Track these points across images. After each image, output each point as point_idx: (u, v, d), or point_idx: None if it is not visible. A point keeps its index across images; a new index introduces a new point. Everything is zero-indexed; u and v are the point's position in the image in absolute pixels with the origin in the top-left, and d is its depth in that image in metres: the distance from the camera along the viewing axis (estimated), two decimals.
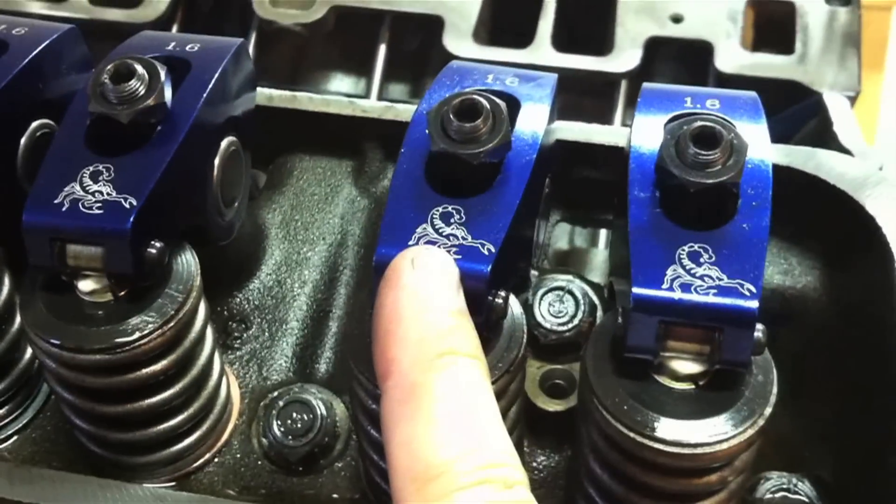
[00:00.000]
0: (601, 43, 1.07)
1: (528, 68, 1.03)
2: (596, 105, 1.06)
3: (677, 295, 0.50)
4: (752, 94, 0.60)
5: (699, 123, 0.53)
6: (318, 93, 1.15)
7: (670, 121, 0.56)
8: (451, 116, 0.54)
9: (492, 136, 0.54)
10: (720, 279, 0.50)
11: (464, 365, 0.45)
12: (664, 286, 0.50)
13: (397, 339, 0.46)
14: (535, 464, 0.64)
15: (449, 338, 0.46)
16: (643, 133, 0.57)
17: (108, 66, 0.55)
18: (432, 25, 1.06)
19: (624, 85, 1.05)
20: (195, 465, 0.62)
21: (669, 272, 0.51)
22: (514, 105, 0.58)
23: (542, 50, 1.05)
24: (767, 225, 0.52)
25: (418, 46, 1.15)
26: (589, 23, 1.10)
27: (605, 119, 1.03)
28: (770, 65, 1.03)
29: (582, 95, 1.11)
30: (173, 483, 0.61)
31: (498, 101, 0.54)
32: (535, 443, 0.64)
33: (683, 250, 0.52)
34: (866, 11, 2.63)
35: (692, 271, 0.51)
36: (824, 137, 0.94)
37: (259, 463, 0.63)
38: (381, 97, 1.09)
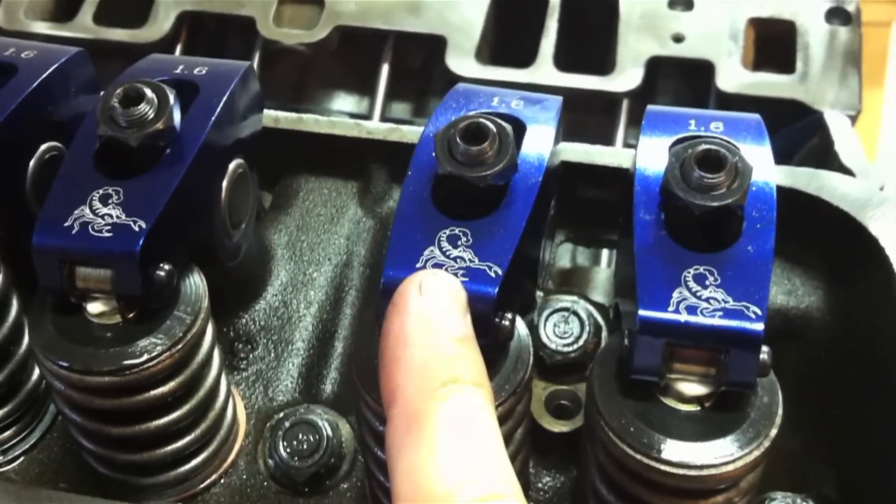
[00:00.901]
0: (603, 62, 1.08)
1: (529, 87, 1.04)
2: (598, 123, 1.07)
3: (683, 317, 0.50)
4: (756, 116, 0.60)
5: (704, 147, 0.53)
6: (321, 111, 1.16)
7: (675, 143, 0.57)
8: (458, 139, 0.54)
9: (498, 159, 0.54)
10: (726, 301, 0.51)
11: (467, 393, 0.45)
12: (670, 308, 0.51)
13: (402, 365, 0.46)
14: (540, 485, 0.64)
15: (453, 365, 0.46)
16: (648, 155, 0.57)
17: (118, 90, 0.56)
18: (435, 45, 1.06)
19: (626, 104, 1.05)
20: (202, 486, 0.62)
21: (675, 294, 0.51)
22: (519, 128, 0.59)
23: (544, 69, 1.06)
24: (772, 247, 0.53)
25: (421, 65, 1.15)
26: (591, 42, 1.10)
27: (608, 137, 1.04)
28: (771, 84, 1.03)
29: (585, 114, 1.12)
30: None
31: (504, 124, 0.55)
32: (541, 463, 0.64)
33: (689, 272, 0.52)
34: (865, 27, 2.64)
35: (698, 293, 0.51)
36: (825, 156, 0.95)
37: (265, 484, 0.63)
38: (384, 116, 1.10)
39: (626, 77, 1.04)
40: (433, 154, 0.55)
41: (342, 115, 1.16)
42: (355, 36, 1.09)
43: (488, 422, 0.45)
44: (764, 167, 0.55)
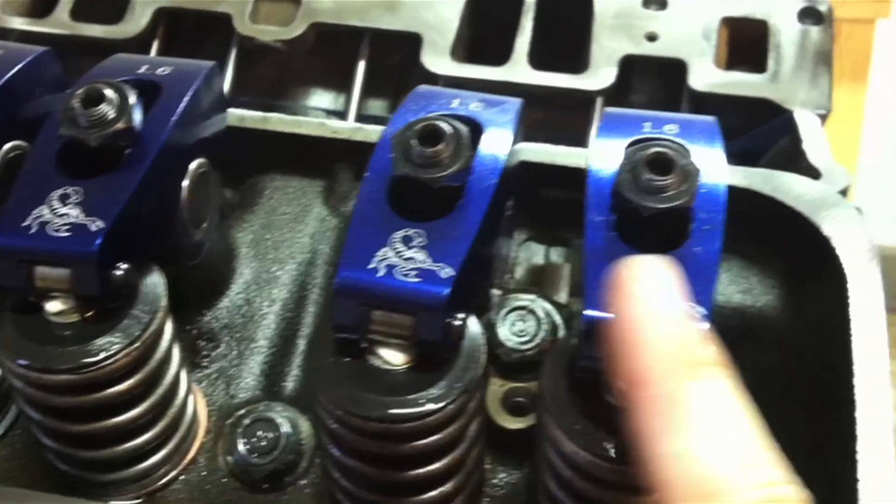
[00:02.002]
0: (578, 61, 1.08)
1: (504, 85, 1.05)
2: (573, 122, 1.07)
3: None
4: (711, 118, 0.61)
5: (654, 150, 0.54)
6: (299, 108, 1.17)
7: (629, 145, 0.58)
8: (414, 141, 0.55)
9: (453, 161, 0.55)
10: None
11: (720, 373, 0.44)
12: None
13: (643, 349, 0.44)
14: (496, 480, 0.65)
15: (698, 346, 0.45)
16: (601, 157, 0.58)
17: (79, 91, 0.57)
18: (411, 43, 1.07)
19: (599, 102, 1.06)
20: (162, 482, 0.63)
21: None
22: (477, 130, 0.59)
23: (519, 67, 1.06)
24: (719, 248, 0.54)
25: (398, 63, 1.16)
26: (566, 41, 1.11)
27: (582, 135, 1.05)
28: (742, 83, 1.04)
29: (560, 112, 1.13)
30: (140, 500, 0.62)
31: (460, 125, 0.56)
32: (497, 460, 0.65)
33: None
34: (850, 25, 2.65)
35: None
36: (794, 155, 0.96)
37: (224, 480, 0.64)
38: (360, 113, 1.10)
39: (599, 75, 1.05)
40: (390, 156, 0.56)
41: (319, 111, 1.17)
42: (332, 33, 1.10)
43: (747, 403, 0.44)
44: (714, 169, 0.56)
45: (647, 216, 0.53)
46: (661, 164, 0.53)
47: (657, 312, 0.46)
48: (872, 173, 2.78)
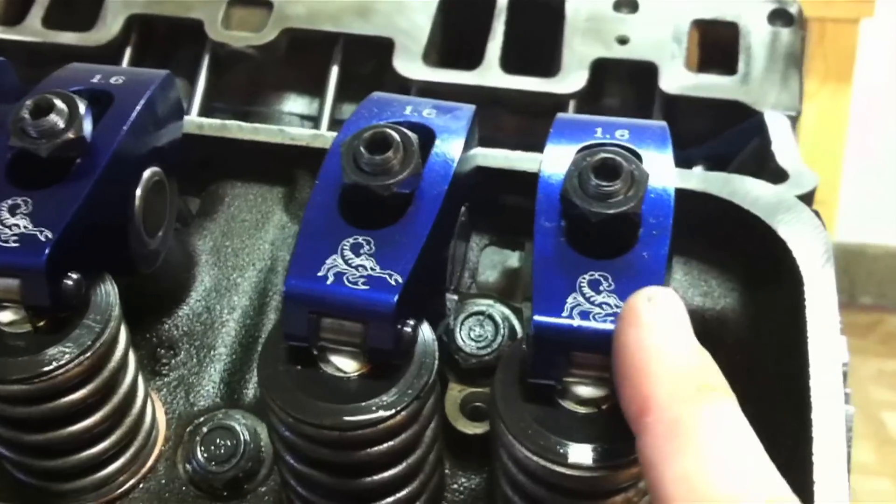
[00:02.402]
0: (550, 65, 1.09)
1: (476, 90, 1.06)
2: (546, 126, 1.07)
3: (576, 322, 0.52)
4: (662, 123, 0.61)
5: (601, 156, 0.54)
6: (272, 114, 1.17)
7: (580, 151, 0.58)
8: (363, 149, 0.55)
9: (402, 168, 0.55)
10: (618, 306, 0.52)
11: (724, 399, 0.46)
12: (564, 314, 0.52)
13: (650, 375, 0.46)
14: (455, 486, 0.65)
15: (703, 372, 0.47)
16: (552, 163, 0.58)
17: (28, 102, 0.57)
18: (384, 48, 1.07)
19: (572, 105, 1.06)
20: (121, 490, 0.63)
21: (570, 300, 0.52)
22: (429, 136, 0.60)
23: (491, 72, 1.07)
24: (667, 253, 0.54)
25: (372, 69, 1.16)
26: (538, 45, 1.11)
27: None
28: (713, 85, 1.04)
29: (533, 117, 1.13)
30: None
31: (409, 133, 0.56)
32: (456, 465, 0.65)
33: (584, 279, 0.53)
34: (835, 24, 2.66)
35: (591, 299, 0.52)
36: (764, 157, 0.96)
37: (184, 489, 0.64)
38: (333, 118, 1.10)
39: (571, 79, 1.06)
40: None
41: (293, 117, 1.17)
42: (305, 39, 1.10)
43: (748, 426, 0.46)
44: (663, 174, 0.57)
45: (596, 222, 0.53)
46: (609, 169, 0.54)
47: (664, 340, 0.47)
48: (857, 171, 2.78)
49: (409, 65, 1.06)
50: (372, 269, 0.53)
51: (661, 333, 0.47)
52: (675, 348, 0.47)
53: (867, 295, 3.09)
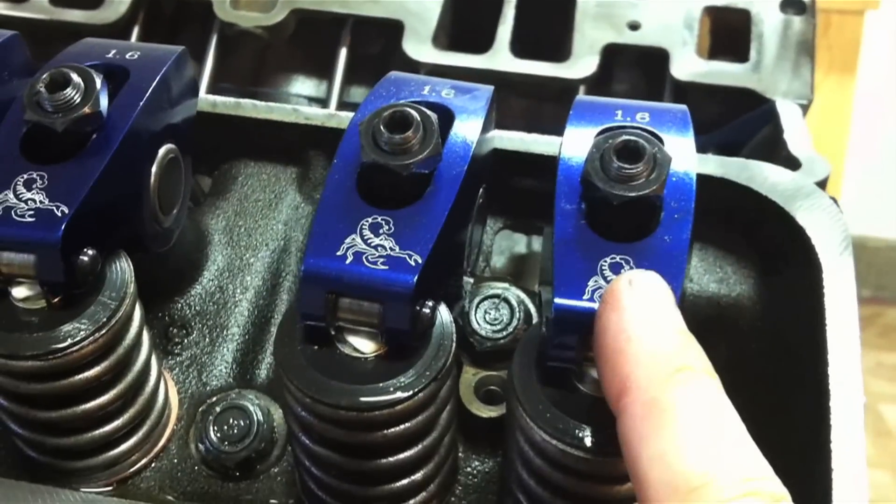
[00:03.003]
0: (560, 49, 1.08)
1: (486, 73, 1.05)
2: (556, 111, 1.07)
3: (597, 305, 0.51)
4: (682, 107, 0.61)
5: (623, 138, 0.54)
6: (280, 95, 1.16)
7: (600, 133, 0.58)
8: (382, 128, 0.54)
9: (422, 148, 0.54)
10: None
11: (702, 379, 0.46)
12: (585, 297, 0.51)
13: (629, 357, 0.46)
14: (469, 468, 0.65)
15: (682, 354, 0.47)
16: (572, 145, 0.58)
17: (44, 75, 0.56)
18: (393, 30, 1.06)
19: (582, 90, 1.06)
20: (132, 469, 0.62)
21: (591, 283, 0.52)
22: (448, 117, 0.59)
23: (501, 56, 1.06)
24: (688, 237, 0.53)
25: (380, 51, 1.15)
26: (548, 29, 1.11)
27: (564, 124, 1.04)
28: (724, 73, 1.04)
29: (542, 101, 1.13)
30: (111, 487, 0.62)
31: (429, 112, 0.55)
32: (470, 448, 0.65)
33: (605, 262, 0.53)
34: (839, 16, 2.65)
35: None
36: (775, 145, 0.96)
37: (196, 468, 0.63)
38: (341, 100, 1.10)
39: (581, 64, 1.05)
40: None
41: (301, 99, 1.16)
42: (313, 20, 1.09)
43: (730, 407, 0.45)
44: (685, 158, 0.56)
45: (617, 204, 0.53)
46: (631, 152, 0.53)
47: (643, 322, 0.47)
48: (861, 164, 2.78)
49: (419, 47, 1.05)
50: (391, 249, 0.53)
51: (640, 316, 0.47)
52: (654, 330, 0.47)
53: (866, 287, 3.09)
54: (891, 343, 2.94)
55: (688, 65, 1.04)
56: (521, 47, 1.06)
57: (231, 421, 0.63)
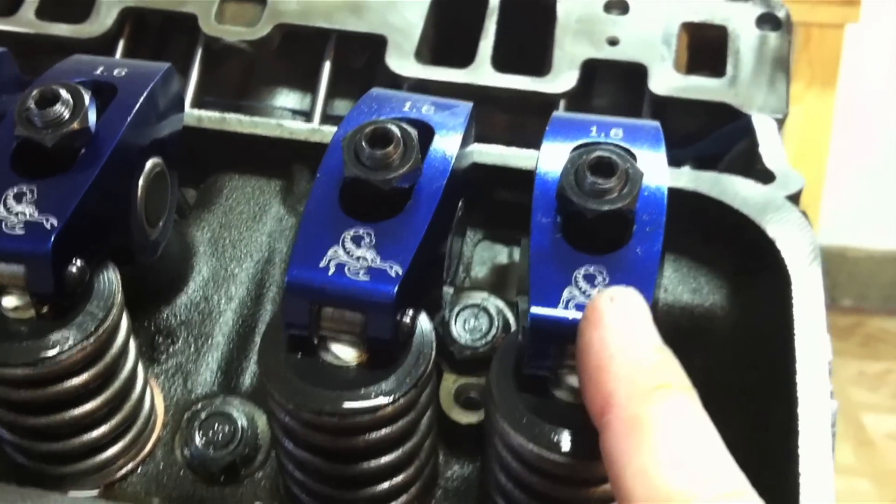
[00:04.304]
0: (541, 64, 1.10)
1: (467, 87, 1.07)
2: (537, 125, 1.09)
3: (571, 314, 0.53)
4: (655, 123, 0.63)
5: (597, 154, 0.56)
6: (265, 109, 1.18)
7: (575, 149, 0.59)
8: (364, 144, 0.56)
9: (403, 163, 0.56)
10: None
11: (681, 395, 0.47)
12: (560, 306, 0.53)
13: (610, 374, 0.48)
14: (449, 473, 0.66)
15: (661, 371, 0.48)
16: (548, 161, 0.59)
17: (34, 91, 0.57)
18: (376, 45, 1.08)
19: (562, 105, 1.07)
20: (119, 474, 0.64)
21: (566, 293, 0.54)
22: (428, 132, 0.61)
23: (482, 70, 1.08)
24: (660, 249, 0.55)
25: (364, 65, 1.17)
26: (529, 45, 1.13)
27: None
28: (702, 87, 1.06)
29: (523, 115, 1.14)
30: (98, 492, 0.63)
31: (409, 129, 0.57)
32: (450, 454, 0.67)
33: (580, 272, 0.54)
34: (820, 29, 2.68)
35: (587, 292, 0.54)
36: (751, 159, 0.98)
37: (181, 473, 0.65)
38: (325, 114, 1.11)
39: (562, 79, 1.07)
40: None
41: (285, 112, 1.18)
42: (297, 35, 1.11)
43: (708, 422, 0.47)
44: (656, 173, 0.58)
45: (591, 218, 0.55)
46: (604, 167, 0.55)
47: (624, 339, 0.49)
48: (842, 175, 2.81)
49: (402, 62, 1.07)
50: (373, 260, 0.55)
51: (621, 333, 0.49)
52: (634, 347, 0.49)
53: (848, 297, 3.12)
54: (872, 352, 2.97)
55: (666, 80, 1.06)
56: (502, 62, 1.08)
57: (216, 427, 0.65)
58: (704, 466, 0.44)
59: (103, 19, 1.08)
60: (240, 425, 0.65)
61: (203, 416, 0.65)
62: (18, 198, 0.56)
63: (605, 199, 0.55)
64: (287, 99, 1.17)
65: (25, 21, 1.08)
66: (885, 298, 3.18)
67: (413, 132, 0.57)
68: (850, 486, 2.39)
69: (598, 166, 0.55)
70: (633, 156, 0.58)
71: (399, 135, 0.56)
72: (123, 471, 0.64)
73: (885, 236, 3.13)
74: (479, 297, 0.67)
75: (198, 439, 0.64)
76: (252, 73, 1.17)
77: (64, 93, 0.57)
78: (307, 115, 1.14)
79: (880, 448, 2.62)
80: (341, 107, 1.16)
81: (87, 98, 0.57)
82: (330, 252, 0.55)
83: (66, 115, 0.57)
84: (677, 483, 0.43)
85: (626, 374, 0.47)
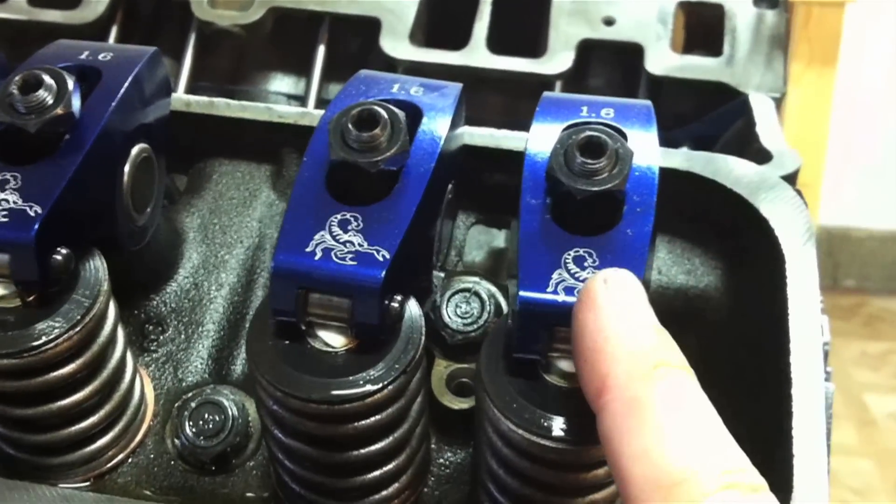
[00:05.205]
0: (536, 46, 1.09)
1: (463, 70, 1.06)
2: (533, 107, 1.08)
3: (561, 297, 0.52)
4: (647, 102, 0.62)
5: (586, 133, 0.55)
6: (259, 93, 1.17)
7: (566, 129, 0.59)
8: (350, 126, 0.55)
9: (390, 145, 0.55)
10: None
11: (679, 374, 0.47)
12: (549, 289, 0.53)
13: (607, 355, 0.47)
14: (441, 460, 0.66)
15: (659, 350, 0.47)
16: (538, 141, 0.59)
17: (17, 77, 0.57)
18: (370, 28, 1.07)
19: (558, 86, 1.07)
20: (109, 465, 0.63)
21: (555, 276, 0.53)
22: (416, 114, 0.60)
23: (477, 52, 1.07)
24: (650, 230, 0.55)
25: (358, 48, 1.16)
26: (524, 26, 1.12)
27: None
28: (698, 67, 1.05)
29: (518, 98, 1.14)
30: (88, 483, 0.63)
31: (396, 110, 0.56)
32: (442, 440, 0.66)
33: (569, 255, 0.54)
34: (819, 8, 2.67)
35: (576, 275, 0.53)
36: (748, 138, 0.97)
37: (172, 463, 0.64)
38: (319, 97, 1.11)
39: (557, 60, 1.06)
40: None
41: (280, 96, 1.17)
42: (290, 18, 1.10)
43: (707, 401, 0.46)
44: (647, 153, 0.57)
45: (581, 199, 0.54)
46: (594, 147, 0.54)
47: (620, 321, 0.48)
48: (842, 155, 2.80)
49: (396, 44, 1.06)
50: (360, 244, 0.54)
51: (617, 315, 0.48)
52: (630, 328, 0.48)
53: (850, 278, 3.11)
54: (874, 332, 2.97)
55: (662, 59, 1.05)
56: (497, 44, 1.07)
57: (206, 416, 0.64)
58: (707, 445, 0.44)
59: (95, 5, 1.07)
60: (230, 414, 0.64)
61: (193, 405, 0.64)
62: (2, 185, 0.55)
63: (595, 180, 0.54)
64: (281, 83, 1.16)
65: (17, 8, 1.08)
66: (888, 279, 3.17)
67: (401, 114, 0.56)
68: (852, 466, 2.39)
69: (587, 146, 0.54)
70: (623, 135, 0.57)
71: (386, 116, 0.55)
72: (113, 462, 0.63)
73: (888, 217, 3.12)
74: (470, 281, 0.67)
75: (188, 429, 0.64)
76: (246, 58, 1.17)
77: (47, 78, 0.56)
78: (301, 100, 1.14)
79: (882, 428, 2.62)
80: (336, 90, 1.14)
81: (70, 83, 0.57)
82: (316, 237, 0.54)
83: (50, 100, 0.56)
84: (680, 462, 0.43)
85: (624, 356, 0.47)
